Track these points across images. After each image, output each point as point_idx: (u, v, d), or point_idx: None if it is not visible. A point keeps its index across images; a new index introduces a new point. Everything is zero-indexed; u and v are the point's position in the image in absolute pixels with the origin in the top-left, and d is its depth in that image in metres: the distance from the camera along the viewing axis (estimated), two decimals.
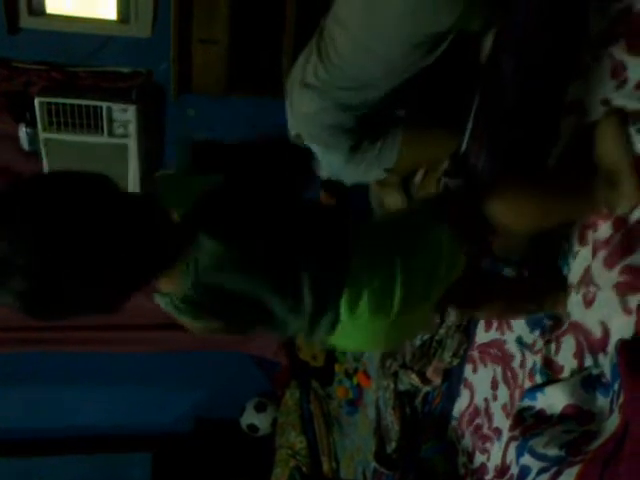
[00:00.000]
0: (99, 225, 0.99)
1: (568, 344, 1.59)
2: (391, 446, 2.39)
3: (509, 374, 1.82)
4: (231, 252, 1.10)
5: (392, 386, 2.42)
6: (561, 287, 1.64)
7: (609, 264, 1.44)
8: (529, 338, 1.75)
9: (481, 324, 1.98)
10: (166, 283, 1.15)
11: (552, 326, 1.67)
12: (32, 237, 0.94)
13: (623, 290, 1.39)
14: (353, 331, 1.27)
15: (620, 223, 1.42)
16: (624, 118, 1.38)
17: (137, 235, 1.03)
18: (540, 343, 1.70)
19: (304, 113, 1.96)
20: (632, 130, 1.36)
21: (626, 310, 1.38)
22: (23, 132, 2.73)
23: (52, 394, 3.77)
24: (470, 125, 2.03)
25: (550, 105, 1.67)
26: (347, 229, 1.27)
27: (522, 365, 1.77)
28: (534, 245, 1.73)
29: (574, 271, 1.59)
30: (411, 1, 1.65)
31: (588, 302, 1.51)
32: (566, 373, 1.59)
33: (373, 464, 2.45)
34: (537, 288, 1.69)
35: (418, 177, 2.32)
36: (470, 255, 1.33)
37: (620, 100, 1.42)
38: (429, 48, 1.75)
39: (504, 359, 1.86)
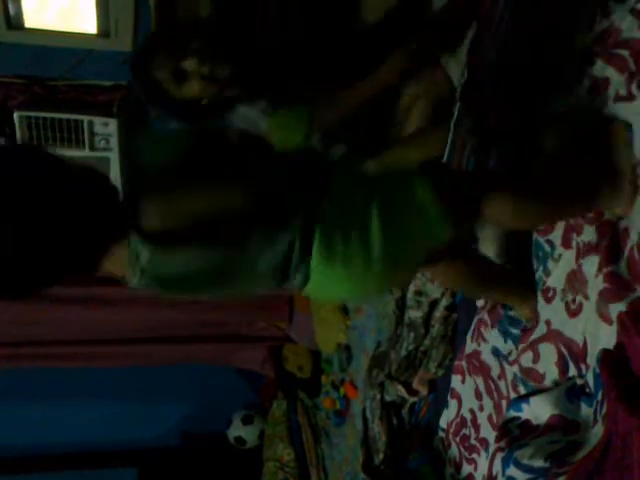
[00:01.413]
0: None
1: (548, 352, 1.59)
2: (379, 457, 2.38)
3: (491, 385, 1.82)
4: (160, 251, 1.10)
5: (379, 396, 2.42)
6: (532, 289, 1.65)
7: (595, 271, 1.43)
8: (504, 348, 1.76)
9: (469, 334, 1.99)
10: (114, 266, 1.15)
11: (521, 336, 1.68)
12: None
13: (606, 298, 1.39)
14: (330, 284, 1.22)
15: (606, 228, 1.41)
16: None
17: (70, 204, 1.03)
18: (515, 353, 1.71)
19: None
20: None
21: (607, 319, 1.39)
22: None
23: (36, 410, 3.73)
24: (451, 135, 2.03)
25: (532, 117, 1.68)
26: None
27: (501, 376, 1.77)
28: (514, 243, 1.75)
29: (555, 275, 1.58)
30: None
31: (573, 311, 1.51)
32: (547, 381, 1.58)
33: (361, 475, 2.44)
34: (506, 279, 1.69)
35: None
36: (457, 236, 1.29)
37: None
38: None
39: (483, 370, 1.86)
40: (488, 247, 1.74)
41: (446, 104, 1.92)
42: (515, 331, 1.71)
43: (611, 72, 1.43)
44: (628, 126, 1.38)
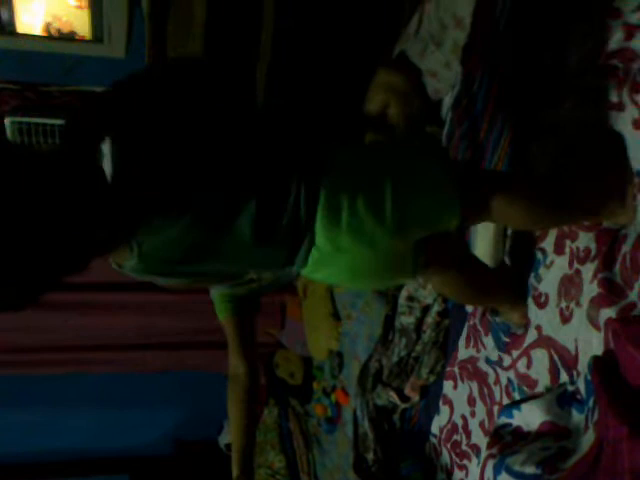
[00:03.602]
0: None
1: (540, 358, 1.60)
2: (369, 456, 2.36)
3: (485, 391, 1.83)
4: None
5: (370, 401, 2.41)
6: (522, 295, 1.66)
7: (590, 277, 1.44)
8: (493, 355, 1.78)
9: (462, 341, 1.99)
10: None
11: (511, 342, 1.69)
12: None
13: (598, 304, 1.40)
14: (334, 264, 1.20)
15: (604, 235, 1.42)
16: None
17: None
18: (507, 359, 1.71)
19: None
20: None
21: (597, 326, 1.40)
22: None
23: (26, 417, 3.70)
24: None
25: (523, 128, 1.69)
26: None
27: (496, 382, 1.78)
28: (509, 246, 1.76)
29: (547, 281, 1.59)
30: None
31: (565, 318, 1.52)
32: (540, 387, 1.60)
33: (352, 477, 2.42)
34: (498, 285, 1.70)
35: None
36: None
37: None
38: None
39: (479, 376, 1.87)
40: (483, 250, 1.75)
41: (415, 116, 1.97)
42: (505, 338, 1.72)
43: (603, 82, 1.44)
44: (621, 136, 1.39)
